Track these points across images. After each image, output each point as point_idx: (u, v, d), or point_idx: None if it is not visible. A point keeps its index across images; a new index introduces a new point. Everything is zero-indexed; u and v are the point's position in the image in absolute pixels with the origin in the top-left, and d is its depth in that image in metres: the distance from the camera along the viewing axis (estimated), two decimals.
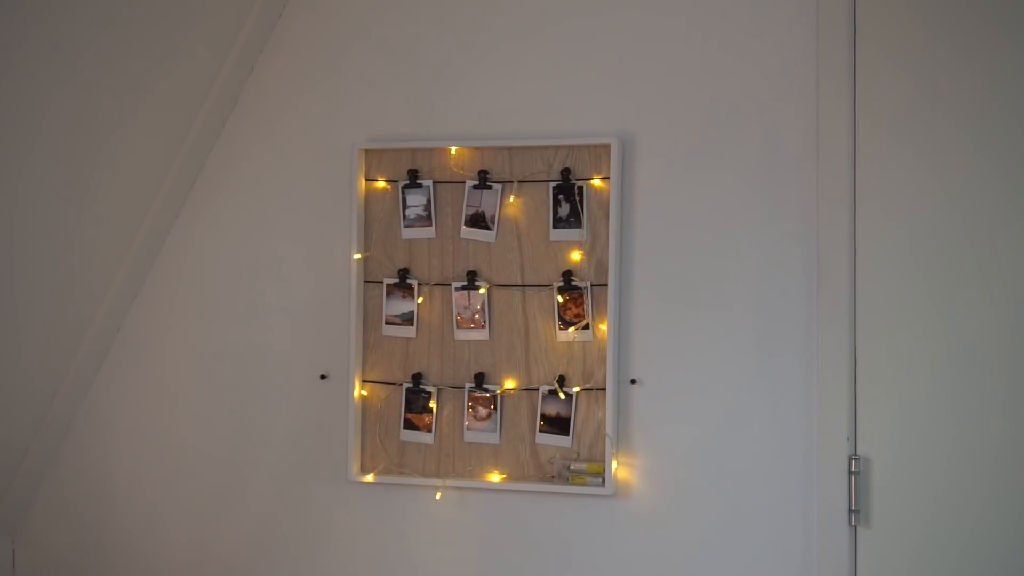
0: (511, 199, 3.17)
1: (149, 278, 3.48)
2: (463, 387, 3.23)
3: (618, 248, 3.08)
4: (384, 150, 3.26)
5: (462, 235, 3.22)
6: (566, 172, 3.12)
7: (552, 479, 3.12)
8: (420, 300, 3.25)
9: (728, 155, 3.05)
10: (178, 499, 3.44)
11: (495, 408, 3.16)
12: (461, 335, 3.22)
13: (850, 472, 2.90)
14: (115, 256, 3.36)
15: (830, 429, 2.93)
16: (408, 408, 3.26)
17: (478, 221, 3.19)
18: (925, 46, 2.84)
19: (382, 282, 3.29)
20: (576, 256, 3.13)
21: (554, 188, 3.12)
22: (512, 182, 3.18)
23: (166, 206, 3.42)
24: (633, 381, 3.09)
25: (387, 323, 3.28)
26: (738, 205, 3.04)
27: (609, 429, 3.06)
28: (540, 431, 3.15)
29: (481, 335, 3.19)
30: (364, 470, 3.28)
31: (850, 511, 2.92)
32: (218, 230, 3.47)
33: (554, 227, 3.14)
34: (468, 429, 3.22)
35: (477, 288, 3.19)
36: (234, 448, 3.43)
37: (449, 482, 3.21)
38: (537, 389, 3.15)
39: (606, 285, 3.09)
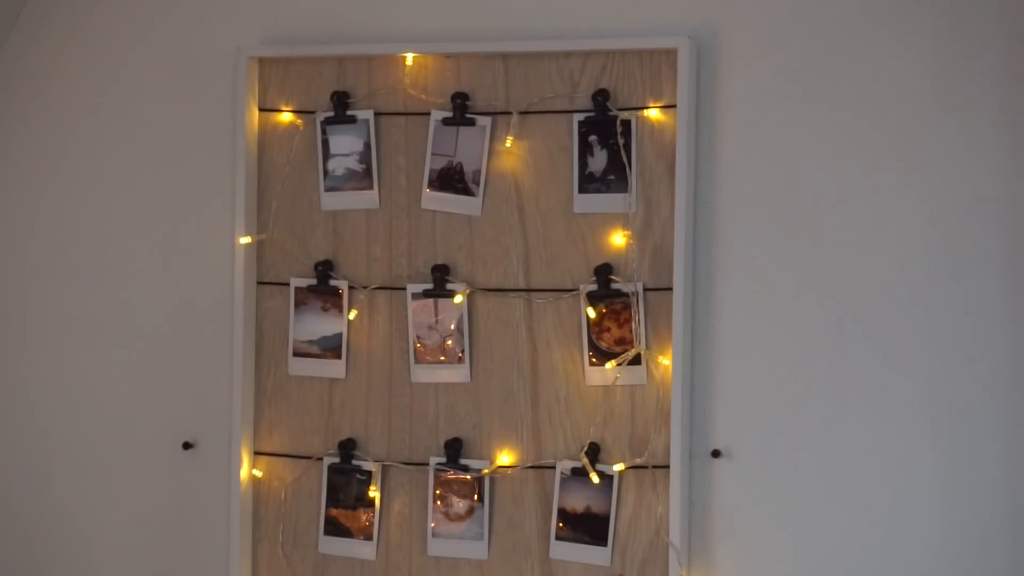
0: (508, 143, 2.82)
1: None
2: (426, 464, 2.88)
3: (690, 226, 2.76)
4: (291, 59, 2.97)
5: (424, 204, 2.89)
6: (602, 96, 2.77)
7: None
8: (352, 315, 2.92)
9: (881, 67, 2.72)
10: None
11: (480, 499, 2.83)
12: (423, 374, 2.89)
13: None
14: None
15: None
16: (333, 499, 2.92)
17: (452, 180, 2.87)
18: None
19: (288, 284, 2.96)
20: (619, 240, 2.78)
21: (582, 124, 2.80)
22: (510, 113, 2.83)
23: None
24: (716, 453, 2.74)
25: (296, 354, 2.95)
26: (894, 149, 2.71)
27: (674, 535, 2.70)
28: (558, 538, 2.79)
29: (457, 374, 2.87)
30: None
31: None
32: (7, 208, 3.18)
33: (581, 191, 2.80)
34: (435, 535, 2.87)
35: (450, 295, 2.86)
36: (43, 566, 3.12)
37: None
38: (553, 467, 2.80)
39: (670, 289, 2.74)
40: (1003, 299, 2.74)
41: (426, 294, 2.84)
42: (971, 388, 2.72)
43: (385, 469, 2.88)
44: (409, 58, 2.86)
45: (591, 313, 2.75)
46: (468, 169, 2.84)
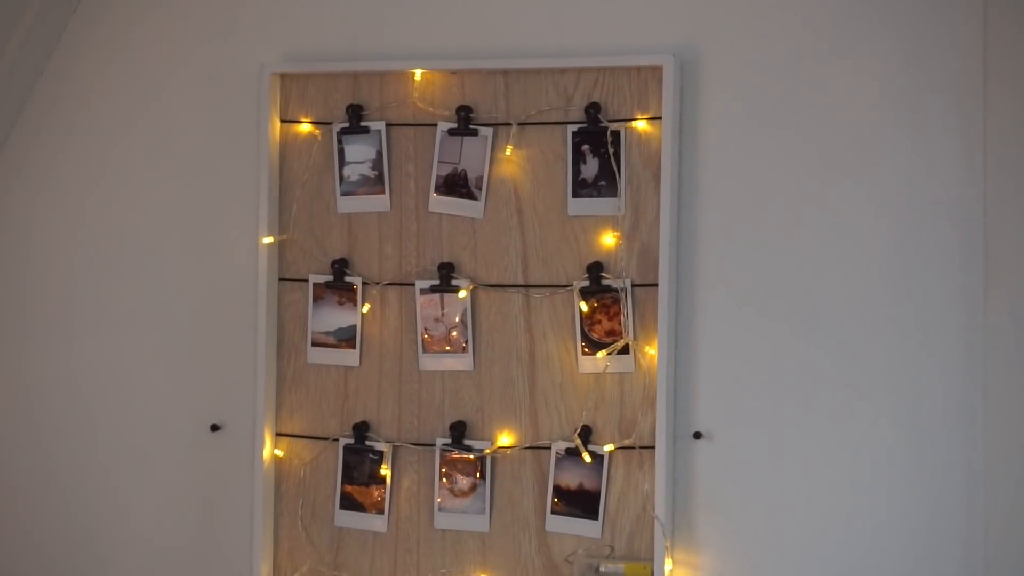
0: (508, 151, 2.88)
1: None
2: (433, 444, 2.93)
3: (674, 227, 2.81)
4: (310, 75, 3.01)
5: (431, 207, 2.94)
6: (593, 109, 2.83)
7: None
8: (366, 308, 2.97)
9: (846, 83, 2.78)
10: None
11: (482, 477, 2.89)
12: (430, 363, 2.94)
13: None
14: None
15: (1004, 513, 2.64)
16: (348, 477, 2.98)
17: (456, 186, 2.92)
18: None
19: (307, 280, 3.00)
20: (609, 240, 2.85)
21: (575, 134, 2.86)
22: (510, 124, 2.89)
23: None
24: (698, 435, 2.79)
25: (315, 344, 3.00)
26: (858, 159, 2.77)
27: (659, 509, 2.76)
28: (553, 512, 2.87)
29: (461, 363, 2.91)
30: (280, 574, 3.03)
31: None
32: (45, 205, 3.21)
33: (575, 195, 2.86)
34: (441, 509, 2.93)
35: (455, 290, 2.91)
36: (81, 538, 3.15)
37: None
38: (548, 447, 2.86)
39: (656, 285, 2.80)
40: (957, 294, 2.82)
41: (433, 290, 2.91)
42: (928, 377, 2.80)
43: (395, 449, 2.95)
44: (418, 74, 2.93)
45: (584, 307, 2.82)
46: (471, 175, 2.90)
